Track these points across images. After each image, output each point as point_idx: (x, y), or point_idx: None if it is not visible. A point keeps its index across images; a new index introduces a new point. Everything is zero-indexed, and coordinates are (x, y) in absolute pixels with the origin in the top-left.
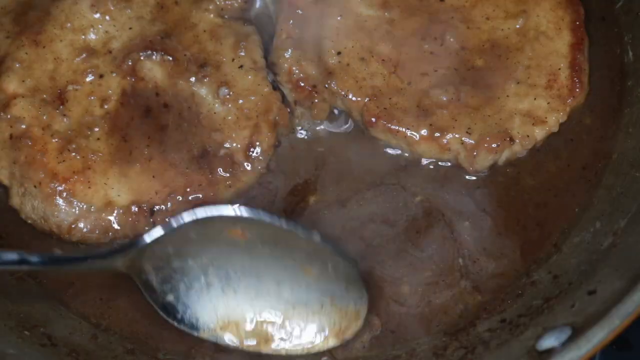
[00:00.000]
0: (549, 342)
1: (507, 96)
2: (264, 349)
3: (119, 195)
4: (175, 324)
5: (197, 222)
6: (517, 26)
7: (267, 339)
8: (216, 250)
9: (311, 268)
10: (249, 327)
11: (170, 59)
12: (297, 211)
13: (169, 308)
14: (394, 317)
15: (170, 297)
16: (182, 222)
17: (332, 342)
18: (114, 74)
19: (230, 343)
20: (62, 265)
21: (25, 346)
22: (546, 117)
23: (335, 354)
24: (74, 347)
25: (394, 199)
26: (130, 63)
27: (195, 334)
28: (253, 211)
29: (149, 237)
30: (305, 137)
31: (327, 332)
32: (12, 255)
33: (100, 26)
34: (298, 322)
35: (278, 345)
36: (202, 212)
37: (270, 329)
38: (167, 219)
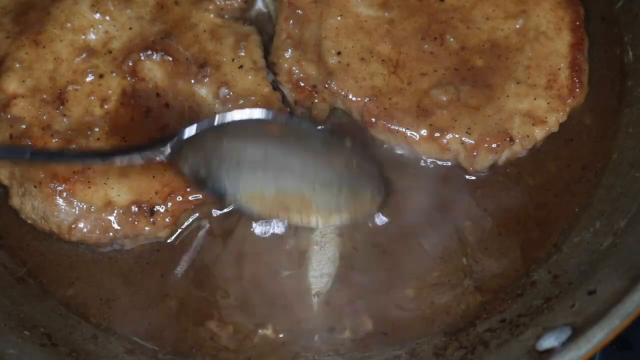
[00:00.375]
0: (549, 342)
1: (507, 96)
2: (281, 216)
3: (119, 195)
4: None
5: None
6: (517, 26)
7: (286, 208)
8: (249, 136)
9: (337, 161)
10: (271, 199)
11: (171, 59)
12: None
13: (199, 181)
14: (395, 317)
15: (202, 172)
16: (221, 121)
17: (344, 220)
18: (114, 74)
19: (252, 211)
20: (107, 158)
21: (25, 346)
22: (546, 117)
23: (336, 354)
24: (74, 347)
25: (394, 198)
26: (130, 63)
27: (223, 201)
28: (291, 118)
29: (188, 132)
30: None
31: (341, 211)
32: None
33: (100, 26)
34: (316, 200)
35: (295, 214)
36: (240, 115)
37: (290, 201)
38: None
